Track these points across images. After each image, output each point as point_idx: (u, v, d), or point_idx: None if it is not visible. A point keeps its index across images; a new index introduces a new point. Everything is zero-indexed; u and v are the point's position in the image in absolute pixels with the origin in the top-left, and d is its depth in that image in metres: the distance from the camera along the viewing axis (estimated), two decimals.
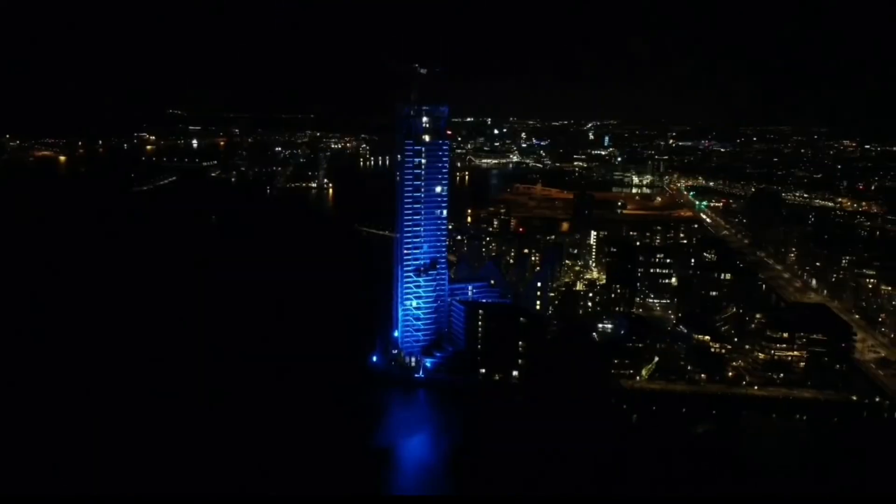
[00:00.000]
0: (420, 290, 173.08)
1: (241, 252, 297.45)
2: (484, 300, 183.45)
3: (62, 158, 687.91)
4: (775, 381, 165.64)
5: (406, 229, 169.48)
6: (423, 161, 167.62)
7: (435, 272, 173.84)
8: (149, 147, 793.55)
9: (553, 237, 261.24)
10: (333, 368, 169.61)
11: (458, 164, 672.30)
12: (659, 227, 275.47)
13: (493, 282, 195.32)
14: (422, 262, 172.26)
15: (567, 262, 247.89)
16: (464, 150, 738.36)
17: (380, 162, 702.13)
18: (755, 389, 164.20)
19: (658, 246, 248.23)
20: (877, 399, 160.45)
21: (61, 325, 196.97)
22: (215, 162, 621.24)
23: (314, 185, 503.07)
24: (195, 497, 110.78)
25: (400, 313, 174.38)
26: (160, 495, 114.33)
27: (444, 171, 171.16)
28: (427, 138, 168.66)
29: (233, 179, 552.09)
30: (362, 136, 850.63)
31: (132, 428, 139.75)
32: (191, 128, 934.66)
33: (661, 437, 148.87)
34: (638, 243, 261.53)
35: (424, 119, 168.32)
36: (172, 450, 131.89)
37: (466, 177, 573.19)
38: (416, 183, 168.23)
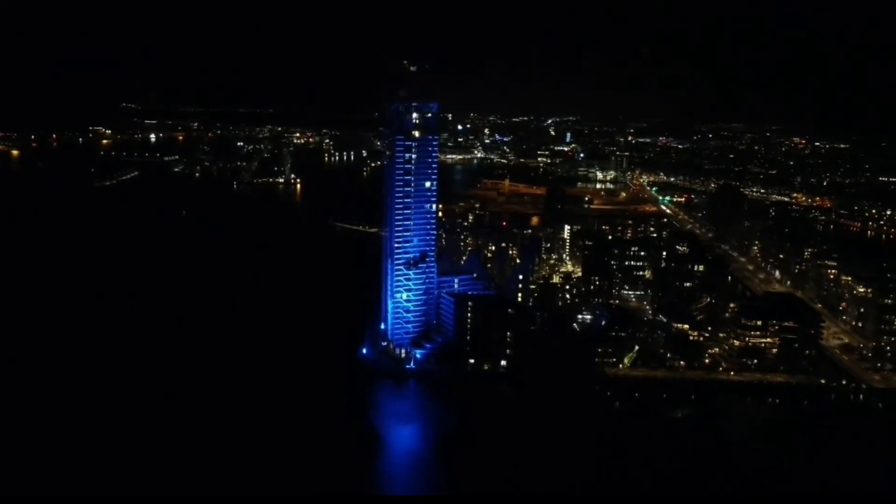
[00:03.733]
0: (410, 283, 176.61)
1: (218, 247, 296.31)
2: (469, 292, 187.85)
3: (15, 153, 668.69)
4: (749, 366, 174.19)
5: (396, 223, 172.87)
6: (414, 156, 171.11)
7: (424, 265, 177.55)
8: (105, 141, 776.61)
9: (529, 231, 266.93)
10: (324, 362, 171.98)
11: None
12: (630, 222, 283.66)
13: (475, 275, 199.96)
14: (412, 255, 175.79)
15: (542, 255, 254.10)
16: None
17: (344, 157, 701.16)
18: (731, 375, 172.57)
19: (631, 239, 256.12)
20: (843, 382, 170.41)
21: (60, 323, 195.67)
22: (176, 157, 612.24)
23: (281, 180, 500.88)
24: (195, 497, 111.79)
25: (390, 306, 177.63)
26: (160, 496, 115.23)
27: (434, 166, 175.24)
28: (417, 134, 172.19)
29: (196, 174, 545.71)
30: (324, 131, 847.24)
31: (133, 424, 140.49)
32: (146, 122, 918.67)
33: (643, 422, 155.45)
34: (610, 237, 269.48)
35: (414, 115, 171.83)
36: (166, 445, 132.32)
37: None
38: (406, 178, 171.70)
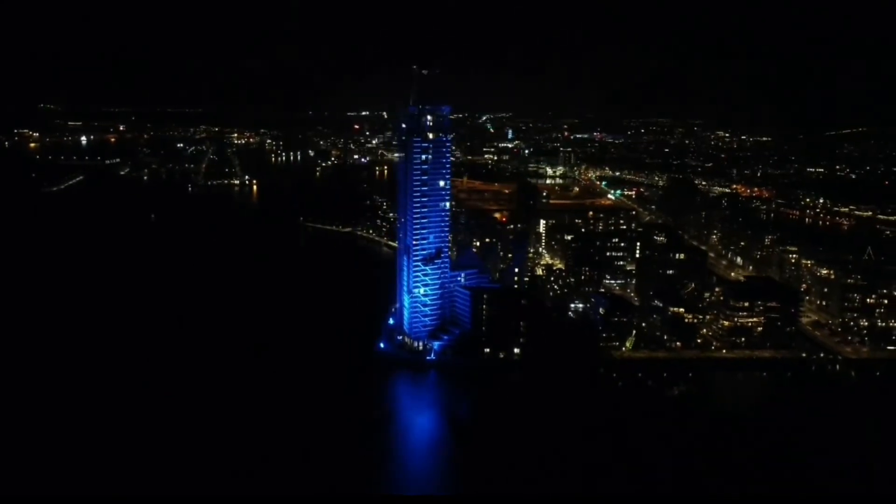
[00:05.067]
0: (427, 279, 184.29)
1: (202, 251, 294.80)
2: (476, 285, 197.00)
3: None
4: (739, 344, 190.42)
5: (414, 221, 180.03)
6: (430, 157, 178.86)
7: (439, 261, 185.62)
8: (32, 144, 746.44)
9: (512, 226, 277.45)
10: (347, 357, 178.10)
11: (368, 158, 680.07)
12: (601, 215, 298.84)
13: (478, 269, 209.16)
14: (428, 252, 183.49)
15: None
16: (373, 145, 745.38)
17: (291, 157, 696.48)
18: (724, 353, 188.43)
19: (611, 231, 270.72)
20: (821, 355, 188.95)
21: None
22: (118, 160, 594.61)
23: (236, 181, 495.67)
24: (200, 495, 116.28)
25: (406, 301, 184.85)
26: (160, 495, 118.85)
27: (448, 166, 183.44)
28: (431, 136, 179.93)
29: (145, 178, 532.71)
30: (262, 130, 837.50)
31: (153, 420, 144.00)
32: (70, 123, 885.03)
33: (645, 400, 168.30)
34: (583, 230, 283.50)
35: (428, 117, 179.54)
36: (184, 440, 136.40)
37: (385, 171, 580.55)
38: (422, 178, 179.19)
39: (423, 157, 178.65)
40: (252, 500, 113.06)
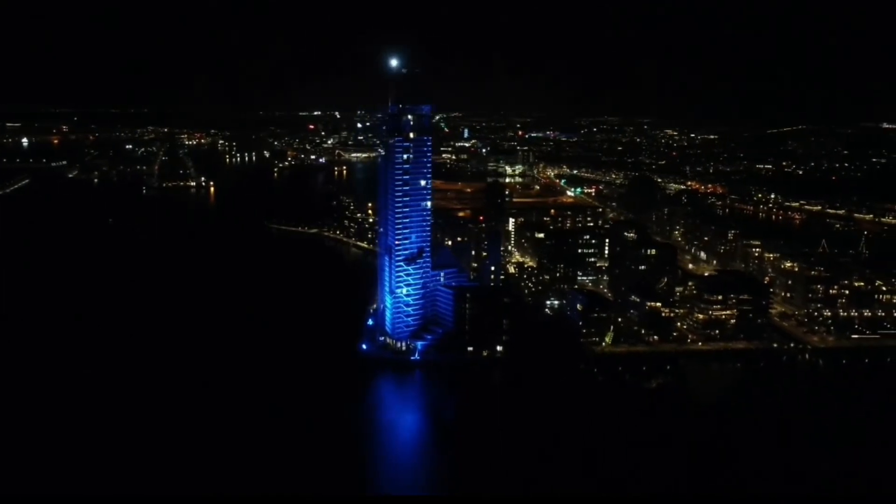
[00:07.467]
0: (409, 279, 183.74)
1: (168, 255, 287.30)
2: (455, 284, 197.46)
3: None
4: (714, 336, 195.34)
5: (396, 221, 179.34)
6: (411, 157, 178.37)
7: (421, 261, 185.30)
8: None
9: (484, 225, 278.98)
10: (328, 358, 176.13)
11: (325, 159, 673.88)
12: (568, 212, 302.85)
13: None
14: (410, 251, 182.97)
15: None
16: (329, 145, 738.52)
17: (246, 158, 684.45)
18: (700, 345, 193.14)
19: (582, 228, 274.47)
20: (791, 345, 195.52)
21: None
22: (65, 162, 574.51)
23: (192, 183, 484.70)
24: (196, 496, 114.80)
25: (388, 301, 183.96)
26: (160, 496, 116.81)
27: (429, 165, 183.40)
28: (412, 135, 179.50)
29: (95, 180, 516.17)
30: (213, 131, 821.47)
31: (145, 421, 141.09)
32: (8, 125, 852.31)
33: (626, 394, 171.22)
34: (551, 227, 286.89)
35: (409, 117, 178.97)
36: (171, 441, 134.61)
37: (344, 171, 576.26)
38: (404, 178, 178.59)
39: (405, 156, 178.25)
40: (238, 500, 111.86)
